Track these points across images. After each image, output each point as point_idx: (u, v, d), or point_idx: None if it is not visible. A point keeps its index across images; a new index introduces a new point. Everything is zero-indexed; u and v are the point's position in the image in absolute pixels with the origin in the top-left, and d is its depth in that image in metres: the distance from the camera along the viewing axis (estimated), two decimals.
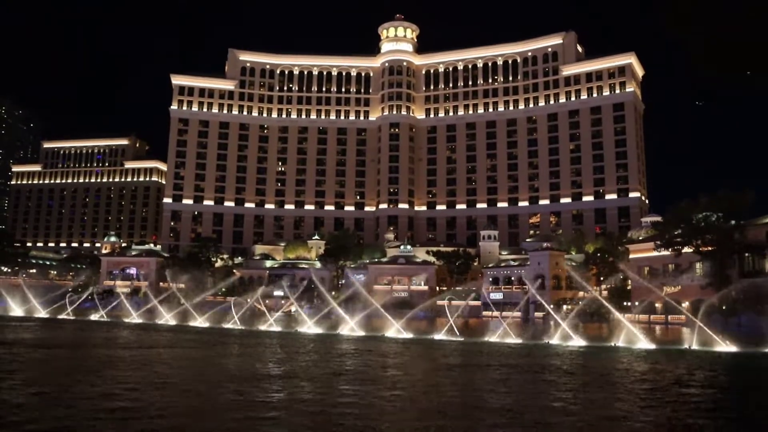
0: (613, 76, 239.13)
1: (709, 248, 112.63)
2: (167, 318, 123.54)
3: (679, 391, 41.03)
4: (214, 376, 46.04)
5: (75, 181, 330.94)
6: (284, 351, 68.67)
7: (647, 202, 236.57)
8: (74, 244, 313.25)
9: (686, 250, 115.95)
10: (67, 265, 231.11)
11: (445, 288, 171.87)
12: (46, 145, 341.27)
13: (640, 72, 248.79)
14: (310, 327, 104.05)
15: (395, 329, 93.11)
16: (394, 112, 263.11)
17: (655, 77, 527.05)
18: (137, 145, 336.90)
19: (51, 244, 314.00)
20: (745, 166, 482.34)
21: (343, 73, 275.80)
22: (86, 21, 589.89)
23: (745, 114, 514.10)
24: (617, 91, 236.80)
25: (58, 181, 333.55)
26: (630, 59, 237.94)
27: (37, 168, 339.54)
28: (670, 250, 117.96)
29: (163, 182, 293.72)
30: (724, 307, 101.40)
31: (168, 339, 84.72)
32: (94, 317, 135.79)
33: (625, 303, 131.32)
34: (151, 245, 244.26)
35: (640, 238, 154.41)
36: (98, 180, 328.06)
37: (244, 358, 61.59)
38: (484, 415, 32.11)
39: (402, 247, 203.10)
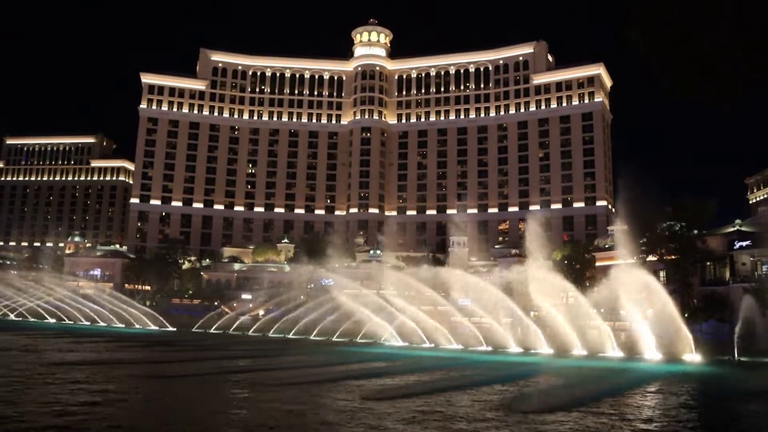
0: (582, 86, 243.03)
1: (673, 257, 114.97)
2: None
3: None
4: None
5: (39, 178, 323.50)
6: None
7: (613, 210, 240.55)
8: (36, 244, 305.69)
9: (650, 258, 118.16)
10: (29, 264, 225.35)
11: (414, 293, 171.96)
12: (9, 141, 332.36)
13: (608, 82, 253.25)
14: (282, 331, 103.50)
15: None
16: (366, 117, 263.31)
17: (623, 88, 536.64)
18: (104, 143, 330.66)
19: (12, 243, 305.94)
20: (710, 178, 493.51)
21: (316, 76, 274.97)
22: (53, 16, 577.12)
23: (712, 128, 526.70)
24: (586, 101, 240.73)
25: (20, 178, 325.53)
26: (599, 70, 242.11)
27: None
28: (635, 258, 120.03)
29: (131, 182, 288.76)
30: (686, 315, 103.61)
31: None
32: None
33: (590, 310, 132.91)
34: (117, 246, 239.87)
35: (606, 246, 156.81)
36: (63, 178, 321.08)
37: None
38: None
39: (372, 251, 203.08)
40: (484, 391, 45.16)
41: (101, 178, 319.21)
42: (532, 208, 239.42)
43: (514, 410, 36.14)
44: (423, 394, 42.03)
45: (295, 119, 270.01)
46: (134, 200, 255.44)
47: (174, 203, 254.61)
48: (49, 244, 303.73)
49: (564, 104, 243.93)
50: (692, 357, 75.15)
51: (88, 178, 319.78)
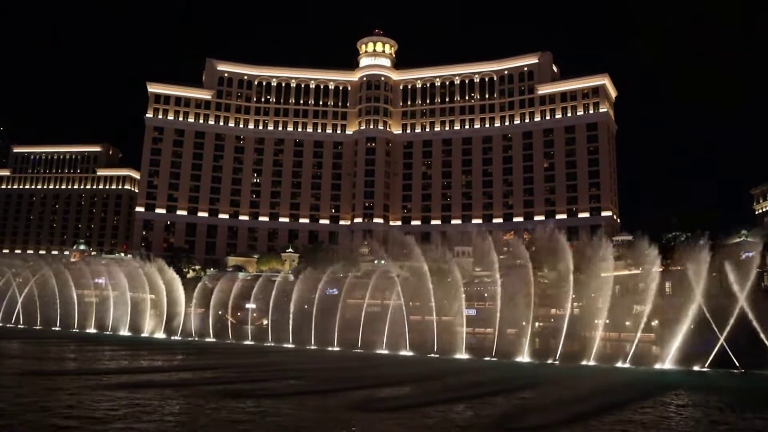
0: (587, 96, 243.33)
1: (678, 267, 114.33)
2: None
3: None
4: None
5: (45, 187, 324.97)
6: None
7: (618, 220, 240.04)
8: (42, 252, 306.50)
9: (656, 269, 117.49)
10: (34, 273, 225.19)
11: (419, 303, 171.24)
12: (16, 149, 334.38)
13: (613, 93, 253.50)
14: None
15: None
16: (371, 127, 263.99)
17: (628, 98, 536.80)
18: (110, 152, 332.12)
19: (18, 251, 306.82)
20: (714, 188, 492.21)
21: (321, 86, 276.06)
22: (61, 24, 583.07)
23: (717, 137, 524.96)
24: (591, 111, 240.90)
25: (27, 186, 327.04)
26: (604, 80, 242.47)
27: (6, 173, 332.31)
28: (640, 268, 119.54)
29: (136, 191, 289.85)
30: (692, 326, 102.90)
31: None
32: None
33: (595, 320, 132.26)
34: (122, 254, 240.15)
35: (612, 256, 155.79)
36: (69, 186, 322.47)
37: None
38: None
39: (376, 261, 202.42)
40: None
41: (107, 187, 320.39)
42: (536, 218, 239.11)
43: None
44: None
45: (300, 129, 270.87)
46: (140, 209, 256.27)
47: (179, 212, 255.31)
48: (54, 252, 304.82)
49: (569, 115, 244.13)
50: (700, 367, 74.86)
51: (94, 187, 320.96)
